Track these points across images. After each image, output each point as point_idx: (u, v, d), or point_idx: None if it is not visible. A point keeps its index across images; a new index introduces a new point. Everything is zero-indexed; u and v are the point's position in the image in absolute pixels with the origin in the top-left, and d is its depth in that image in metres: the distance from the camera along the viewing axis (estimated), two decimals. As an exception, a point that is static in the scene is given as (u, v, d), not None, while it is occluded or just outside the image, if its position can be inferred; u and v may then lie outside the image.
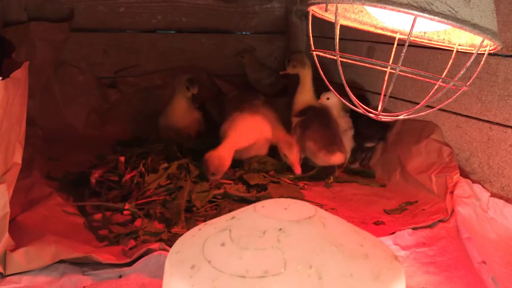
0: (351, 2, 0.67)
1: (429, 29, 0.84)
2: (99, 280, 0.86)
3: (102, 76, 1.89)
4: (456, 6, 0.64)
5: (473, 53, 0.72)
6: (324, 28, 1.80)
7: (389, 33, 0.93)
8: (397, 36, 0.93)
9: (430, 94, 0.84)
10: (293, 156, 1.41)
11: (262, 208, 0.58)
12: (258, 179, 1.33)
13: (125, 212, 1.15)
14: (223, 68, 2.06)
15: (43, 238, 0.90)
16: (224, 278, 0.48)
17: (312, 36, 0.84)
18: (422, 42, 0.90)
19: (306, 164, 1.48)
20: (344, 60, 0.86)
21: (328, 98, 1.44)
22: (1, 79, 0.82)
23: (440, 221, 1.10)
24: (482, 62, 0.76)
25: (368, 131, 1.46)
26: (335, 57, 0.75)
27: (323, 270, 0.49)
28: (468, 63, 0.70)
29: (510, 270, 0.93)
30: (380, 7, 0.65)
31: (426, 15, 0.62)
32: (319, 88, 1.50)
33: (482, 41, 0.69)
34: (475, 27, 0.64)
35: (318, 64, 0.84)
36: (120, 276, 0.87)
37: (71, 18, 1.74)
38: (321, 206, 1.23)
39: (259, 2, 2.07)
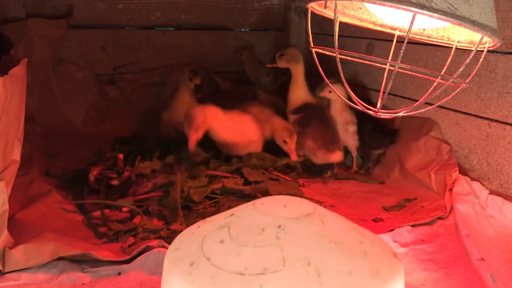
0: (350, -1, 0.67)
1: (428, 26, 0.84)
2: (98, 277, 0.86)
3: (101, 73, 1.88)
4: (455, 3, 0.63)
5: (472, 50, 0.72)
6: (323, 25, 1.80)
7: (388, 30, 0.93)
8: (396, 33, 0.92)
9: (429, 91, 0.84)
10: (292, 143, 1.42)
11: (261, 205, 0.58)
12: (257, 176, 1.33)
13: (124, 209, 1.15)
14: (222, 65, 2.05)
15: (42, 235, 0.90)
16: (223, 275, 0.48)
17: (311, 33, 0.84)
18: (421, 39, 0.90)
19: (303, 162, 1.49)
20: (343, 57, 0.85)
21: (330, 91, 1.43)
22: (0, 76, 0.81)
23: (439, 218, 1.10)
24: (481, 59, 0.76)
25: (375, 142, 1.44)
26: (334, 54, 0.75)
27: (322, 267, 0.49)
28: (467, 60, 0.70)
29: (508, 267, 0.93)
30: (380, 4, 0.65)
31: (426, 11, 0.62)
32: (313, 84, 1.51)
33: (481, 38, 0.69)
34: (474, 24, 0.64)
35: (317, 61, 0.83)
36: (119, 273, 0.87)
37: (70, 15, 1.74)
38: (320, 203, 1.23)
39: (258, -1, 2.07)
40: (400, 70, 0.74)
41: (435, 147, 1.31)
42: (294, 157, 1.43)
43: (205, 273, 0.49)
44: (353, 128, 1.46)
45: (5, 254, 0.84)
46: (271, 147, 1.49)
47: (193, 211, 1.17)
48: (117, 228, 1.06)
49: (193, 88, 1.60)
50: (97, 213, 1.13)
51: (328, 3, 0.81)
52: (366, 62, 0.87)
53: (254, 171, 1.36)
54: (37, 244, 0.87)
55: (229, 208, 0.89)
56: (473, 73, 0.79)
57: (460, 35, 0.86)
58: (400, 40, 0.82)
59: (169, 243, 0.66)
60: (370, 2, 0.66)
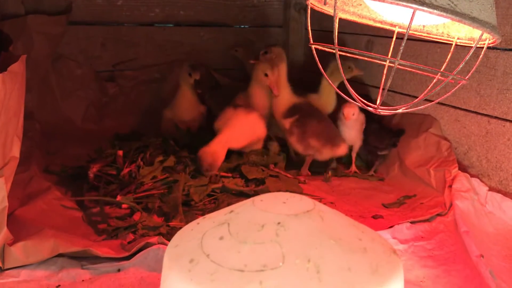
0: (350, -5, 0.67)
1: (428, 22, 0.84)
2: (97, 274, 0.86)
3: (100, 69, 1.88)
4: (455, -1, 0.63)
5: (472, 46, 0.72)
6: (323, 22, 1.80)
7: (388, 27, 0.93)
8: (396, 29, 0.92)
9: (429, 87, 0.84)
10: (273, 77, 1.43)
11: (260, 202, 0.58)
12: (256, 173, 1.33)
13: (123, 206, 1.15)
14: (222, 62, 2.05)
15: (42, 232, 0.90)
16: (222, 272, 0.48)
17: (311, 30, 0.84)
18: (421, 35, 0.90)
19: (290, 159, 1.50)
20: (343, 53, 0.85)
21: (353, 114, 1.39)
22: (-1, 73, 0.81)
23: (438, 215, 1.11)
24: (481, 56, 0.76)
25: (380, 143, 1.43)
26: (334, 51, 0.75)
27: (322, 264, 0.49)
28: (467, 57, 0.70)
29: (508, 263, 0.93)
30: (379, 1, 0.64)
31: (426, 8, 0.62)
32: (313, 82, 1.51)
33: (481, 35, 0.69)
34: (474, 20, 0.64)
35: (317, 58, 0.83)
36: (119, 270, 0.87)
37: (69, 11, 1.73)
38: (319, 200, 1.23)
39: (257, -5, 2.07)
40: (399, 66, 0.74)
41: (435, 143, 1.31)
42: (275, 91, 1.43)
43: (205, 269, 0.49)
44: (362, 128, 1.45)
45: (4, 250, 0.84)
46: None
47: (192, 208, 1.17)
48: (117, 224, 1.06)
49: (193, 84, 1.59)
50: (96, 210, 1.13)
51: (327, 0, 0.81)
52: (366, 58, 0.87)
53: (253, 168, 1.36)
54: (37, 241, 0.87)
55: (228, 205, 0.89)
56: (473, 69, 0.78)
57: (460, 32, 0.86)
58: (400, 37, 0.82)
59: (169, 240, 0.66)
60: (370, -1, 0.66)
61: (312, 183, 1.38)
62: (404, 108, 0.81)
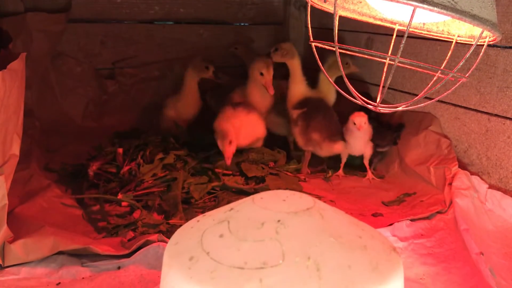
0: (350, -8, 0.67)
1: (428, 20, 0.83)
2: (97, 272, 0.86)
3: (100, 67, 1.88)
4: (455, -4, 0.63)
5: (472, 44, 0.72)
6: (322, 19, 1.80)
7: (388, 24, 0.93)
8: (396, 27, 0.92)
9: (429, 85, 0.84)
10: (269, 76, 1.43)
11: (260, 200, 0.58)
12: (256, 171, 1.33)
13: (123, 203, 1.15)
14: (222, 59, 2.04)
15: (42, 230, 0.90)
16: (222, 270, 0.48)
17: (311, 27, 0.83)
18: (421, 33, 0.90)
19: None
20: (343, 51, 0.85)
21: (365, 123, 1.34)
22: (-2, 70, 0.81)
23: (438, 212, 1.11)
24: (481, 54, 0.76)
25: (382, 140, 1.42)
26: (334, 49, 0.75)
27: (321, 262, 0.49)
28: (467, 54, 0.70)
29: (507, 261, 0.93)
30: (380, -2, 0.64)
31: (426, 6, 0.62)
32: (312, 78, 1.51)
33: (482, 32, 0.69)
34: (474, 18, 0.64)
35: (316, 56, 0.83)
36: (119, 268, 0.87)
37: (68, 8, 1.73)
38: (319, 198, 1.23)
39: (257, -7, 2.07)
40: (399, 64, 0.74)
41: (435, 141, 1.31)
42: (271, 91, 1.43)
43: (205, 267, 0.49)
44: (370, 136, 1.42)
45: (4, 248, 0.84)
46: (270, 142, 1.49)
47: (192, 205, 1.17)
48: (117, 222, 1.06)
49: (209, 77, 1.60)
50: (96, 208, 1.13)
51: (327, -3, 0.81)
52: (366, 56, 0.86)
53: (253, 166, 1.36)
54: (37, 238, 0.87)
55: (228, 202, 0.89)
56: (473, 67, 0.78)
57: (460, 29, 0.86)
58: (400, 35, 0.82)
59: (169, 238, 0.66)
60: (370, -4, 0.66)
61: (312, 181, 1.38)
62: (404, 106, 0.81)
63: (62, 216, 1.06)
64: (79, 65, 1.81)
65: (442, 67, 0.79)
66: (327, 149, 1.42)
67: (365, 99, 0.81)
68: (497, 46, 1.15)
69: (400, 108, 0.81)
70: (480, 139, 1.22)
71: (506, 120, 1.14)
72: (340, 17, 0.86)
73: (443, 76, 0.79)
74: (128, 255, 0.89)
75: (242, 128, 1.37)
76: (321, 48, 0.83)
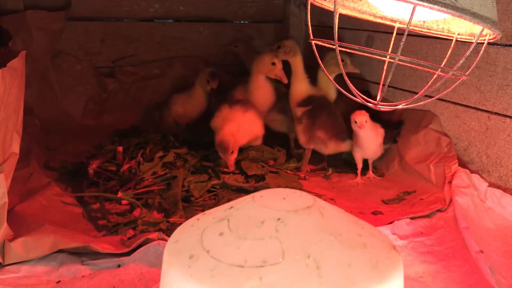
0: (350, -10, 0.67)
1: (429, 18, 0.83)
2: (97, 270, 0.86)
3: (100, 65, 1.88)
4: (456, -6, 0.63)
5: (472, 42, 0.72)
6: (322, 17, 1.79)
7: (388, 22, 0.92)
8: (396, 25, 0.92)
9: (429, 83, 0.83)
10: (280, 65, 1.44)
11: (260, 198, 0.58)
12: (256, 169, 1.33)
13: (123, 202, 1.15)
14: (221, 57, 2.05)
15: (42, 228, 0.90)
16: (222, 268, 0.48)
17: (311, 25, 0.83)
18: (421, 31, 0.90)
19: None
20: (343, 49, 0.85)
21: (366, 121, 1.32)
22: (-2, 69, 0.81)
23: (438, 210, 1.11)
24: (481, 52, 0.76)
25: (385, 138, 1.41)
26: (334, 46, 0.75)
27: (321, 260, 0.49)
28: (468, 52, 0.70)
29: (507, 259, 0.93)
30: (380, -4, 0.64)
31: (426, 3, 0.61)
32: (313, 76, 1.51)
33: (482, 30, 0.69)
34: (475, 16, 0.64)
35: (316, 53, 0.83)
36: (119, 266, 0.87)
37: (68, 6, 1.73)
38: (319, 196, 1.23)
39: (257, -9, 2.06)
40: (400, 62, 0.73)
41: (435, 139, 1.31)
42: (285, 79, 1.44)
43: (205, 265, 0.49)
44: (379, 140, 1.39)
45: (4, 246, 0.84)
46: (270, 140, 1.49)
47: (192, 203, 1.17)
48: (117, 220, 1.06)
49: (208, 91, 1.61)
50: (96, 206, 1.13)
51: (328, -5, 0.81)
52: (366, 54, 0.86)
53: (253, 164, 1.36)
54: (37, 236, 0.87)
55: (228, 201, 0.89)
56: (473, 65, 0.78)
57: (460, 27, 0.86)
58: (400, 33, 0.82)
59: (169, 236, 0.66)
60: (370, -6, 0.65)
61: (312, 179, 1.38)
62: (404, 104, 0.81)
63: (62, 214, 1.06)
64: (79, 63, 1.82)
65: (442, 65, 0.79)
66: (333, 148, 1.42)
67: (365, 97, 0.81)
68: (497, 44, 1.15)
69: (400, 106, 0.81)
70: (480, 137, 1.22)
71: (506, 118, 1.14)
72: (340, 15, 0.86)
73: (443, 74, 0.79)
74: (128, 253, 0.90)
75: (239, 127, 1.37)
76: (319, 46, 0.83)
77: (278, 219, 0.53)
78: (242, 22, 2.09)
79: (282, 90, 1.56)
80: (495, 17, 0.68)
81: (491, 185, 1.15)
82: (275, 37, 2.13)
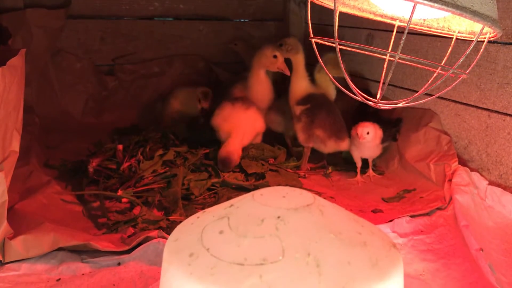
0: (350, -12, 0.67)
1: (429, 16, 0.83)
2: (97, 268, 0.87)
3: (100, 63, 1.88)
4: (456, -8, 0.63)
5: (472, 40, 0.72)
6: (323, 15, 1.79)
7: (388, 20, 0.92)
8: (397, 23, 0.92)
9: (429, 82, 0.83)
10: (282, 58, 1.44)
11: (260, 196, 0.58)
12: (256, 168, 1.33)
13: (123, 200, 1.15)
14: (221, 56, 2.05)
15: (42, 226, 0.90)
16: (222, 266, 0.48)
17: (311, 23, 0.83)
18: (422, 29, 0.90)
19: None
20: (343, 47, 0.85)
21: (368, 133, 1.32)
22: (-2, 67, 0.81)
23: (438, 209, 1.11)
24: (481, 50, 0.76)
25: (384, 136, 1.41)
26: (334, 45, 0.75)
27: (321, 258, 0.49)
28: (468, 51, 0.70)
29: (507, 257, 0.93)
30: (380, -6, 0.64)
31: (426, 1, 0.61)
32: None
33: (482, 29, 0.69)
34: (475, 14, 0.64)
35: (317, 52, 0.83)
36: (119, 264, 0.88)
37: (68, 4, 1.73)
38: (319, 194, 1.23)
39: (257, -11, 2.06)
40: (400, 60, 0.73)
41: (435, 138, 1.31)
42: (287, 71, 1.44)
43: (205, 263, 0.49)
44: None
45: (5, 244, 0.84)
46: (270, 138, 1.49)
47: (192, 202, 1.17)
48: (117, 218, 1.06)
49: (199, 109, 1.60)
50: (96, 204, 1.13)
51: (328, -7, 0.81)
52: (366, 52, 0.86)
53: (253, 162, 1.36)
54: (37, 234, 0.87)
55: (228, 199, 0.89)
56: (473, 63, 0.78)
57: (460, 26, 0.85)
58: (400, 31, 0.82)
59: (169, 234, 0.66)
60: (370, -8, 0.65)
61: (312, 177, 1.38)
62: (404, 102, 0.81)
63: (62, 213, 1.06)
64: (79, 61, 1.82)
65: (442, 64, 0.79)
66: (332, 146, 1.41)
67: (365, 96, 0.81)
68: (497, 43, 1.15)
69: (400, 105, 0.81)
70: (480, 135, 1.22)
71: (506, 117, 1.14)
72: (340, 13, 0.86)
73: (443, 72, 0.79)
74: (128, 251, 0.90)
75: (241, 125, 1.37)
76: (319, 44, 0.83)
77: (278, 217, 0.53)
78: (242, 20, 2.09)
79: (279, 89, 1.56)
80: (495, 15, 0.68)
81: (491, 183, 1.15)
82: (275, 35, 2.13)
